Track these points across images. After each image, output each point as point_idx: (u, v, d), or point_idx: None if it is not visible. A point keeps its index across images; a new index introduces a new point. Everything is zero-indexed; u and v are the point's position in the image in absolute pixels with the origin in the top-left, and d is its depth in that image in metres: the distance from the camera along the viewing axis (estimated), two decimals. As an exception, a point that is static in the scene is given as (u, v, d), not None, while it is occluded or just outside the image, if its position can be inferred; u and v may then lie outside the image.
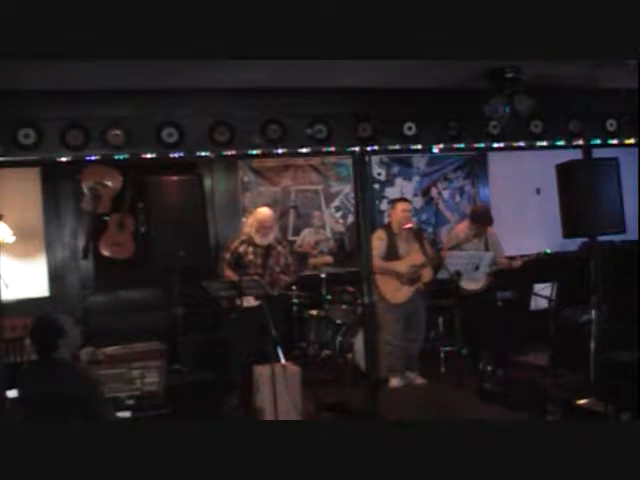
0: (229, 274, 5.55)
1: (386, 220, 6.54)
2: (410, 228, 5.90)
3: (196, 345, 6.01)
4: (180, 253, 5.42)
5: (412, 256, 5.87)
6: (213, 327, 6.31)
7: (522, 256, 6.12)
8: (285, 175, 7.20)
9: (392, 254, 5.86)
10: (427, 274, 5.86)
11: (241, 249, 5.66)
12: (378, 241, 5.81)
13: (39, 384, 3.24)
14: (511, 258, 6.11)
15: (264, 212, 5.76)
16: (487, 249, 6.03)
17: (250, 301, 5.26)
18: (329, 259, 6.46)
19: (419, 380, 5.89)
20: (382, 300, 5.74)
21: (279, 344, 4.66)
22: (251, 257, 5.63)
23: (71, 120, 4.37)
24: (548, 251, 5.97)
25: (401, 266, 5.81)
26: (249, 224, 5.85)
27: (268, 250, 5.68)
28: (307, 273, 6.11)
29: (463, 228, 6.21)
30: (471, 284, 6.00)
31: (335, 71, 4.30)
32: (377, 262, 5.63)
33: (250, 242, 5.66)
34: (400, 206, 5.96)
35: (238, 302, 5.16)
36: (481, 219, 6.12)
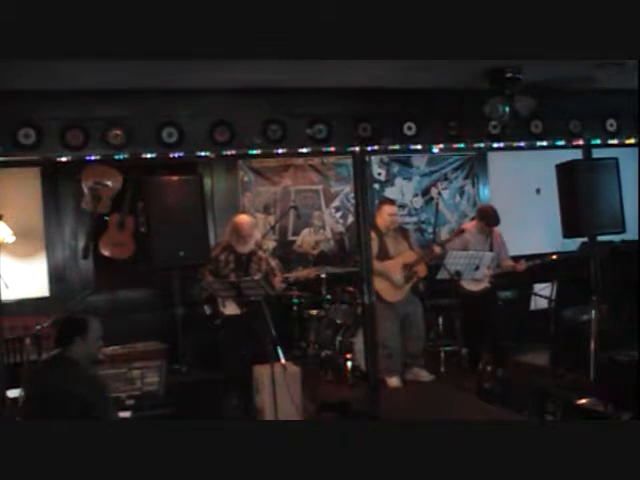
0: (209, 280, 5.43)
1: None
2: (394, 227, 5.92)
3: (196, 345, 6.01)
4: (180, 253, 5.42)
5: (404, 255, 5.87)
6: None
7: (527, 259, 6.12)
8: (285, 175, 7.20)
9: (383, 254, 5.84)
10: (422, 270, 5.87)
11: (222, 257, 5.52)
12: (370, 242, 5.80)
13: (52, 382, 3.23)
14: (516, 260, 6.12)
15: (241, 220, 5.60)
16: (492, 250, 6.05)
17: (231, 309, 5.27)
18: (314, 272, 6.44)
19: (425, 375, 5.86)
20: (379, 299, 5.73)
21: (279, 344, 4.65)
22: (232, 266, 5.49)
23: (71, 120, 4.37)
24: (554, 257, 5.99)
25: (395, 266, 5.80)
26: (228, 232, 5.69)
27: (249, 257, 5.58)
28: (297, 275, 6.14)
29: (470, 228, 6.22)
30: (472, 284, 6.00)
31: (335, 71, 4.30)
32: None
33: (231, 250, 5.54)
34: (386, 209, 5.92)
35: (222, 309, 5.22)
36: (489, 219, 6.14)
